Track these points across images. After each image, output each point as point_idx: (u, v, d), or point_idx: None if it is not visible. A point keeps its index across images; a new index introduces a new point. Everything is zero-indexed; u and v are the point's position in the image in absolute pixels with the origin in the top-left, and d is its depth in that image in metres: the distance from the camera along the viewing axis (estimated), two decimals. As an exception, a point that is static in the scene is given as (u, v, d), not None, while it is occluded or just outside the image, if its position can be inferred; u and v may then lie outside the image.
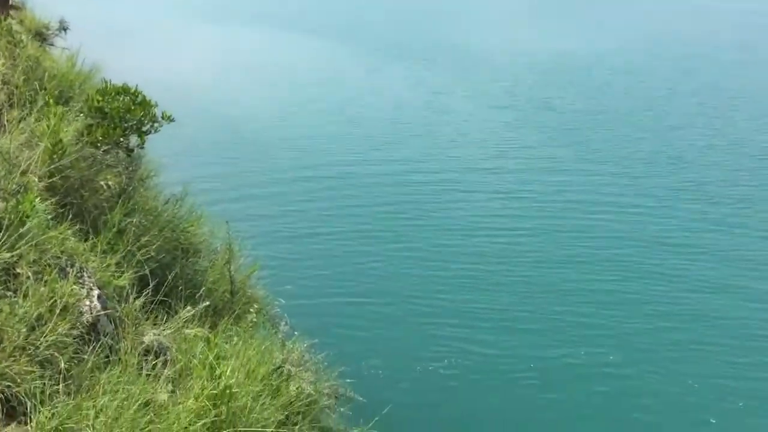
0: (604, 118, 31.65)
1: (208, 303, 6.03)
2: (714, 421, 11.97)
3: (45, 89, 6.52)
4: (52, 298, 4.09)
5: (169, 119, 7.04)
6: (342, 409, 6.67)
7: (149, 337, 4.79)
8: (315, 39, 54.82)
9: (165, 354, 4.91)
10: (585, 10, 73.91)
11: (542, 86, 38.07)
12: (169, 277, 6.17)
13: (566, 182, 22.90)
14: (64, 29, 11.09)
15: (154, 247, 6.37)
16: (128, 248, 5.84)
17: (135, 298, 5.19)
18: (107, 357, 4.17)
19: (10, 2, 9.86)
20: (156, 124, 6.99)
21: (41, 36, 10.18)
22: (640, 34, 56.67)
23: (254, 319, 6.89)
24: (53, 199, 5.31)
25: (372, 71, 41.65)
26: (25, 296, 3.89)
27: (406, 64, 43.42)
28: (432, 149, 26.53)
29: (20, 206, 4.42)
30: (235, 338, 5.71)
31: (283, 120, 30.23)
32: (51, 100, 5.50)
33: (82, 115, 6.55)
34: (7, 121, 5.89)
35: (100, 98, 6.74)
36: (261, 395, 4.98)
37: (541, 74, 41.29)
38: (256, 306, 7.30)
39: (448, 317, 14.73)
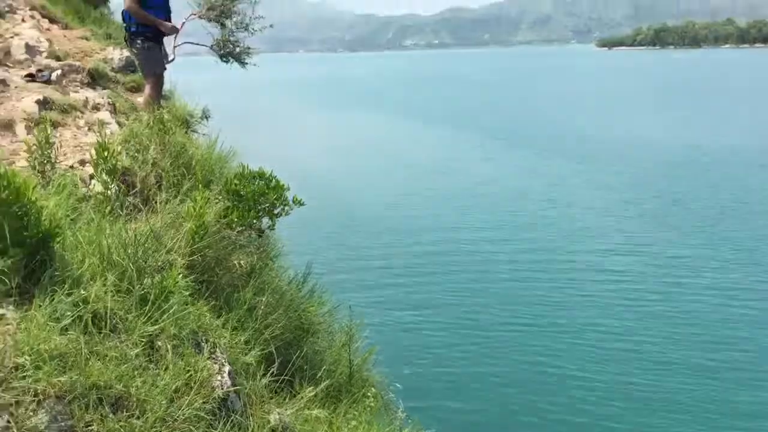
0: (739, 217, 29.84)
1: (328, 382, 6.10)
2: None
3: (190, 173, 7.00)
4: (188, 372, 4.27)
5: (300, 203, 7.36)
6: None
7: (274, 416, 4.87)
8: (433, 126, 56.18)
9: (288, 434, 4.96)
10: (716, 100, 71.82)
11: (670, 180, 36.64)
12: (293, 357, 6.31)
13: (700, 283, 21.58)
14: (206, 117, 12.00)
15: (279, 325, 6.57)
16: (256, 326, 6.06)
17: (261, 376, 5.33)
18: (235, 434, 4.27)
19: (162, 93, 10.76)
20: (287, 207, 7.32)
21: (186, 123, 11.00)
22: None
23: (371, 404, 6.88)
24: (192, 276, 5.63)
25: (487, 159, 41.90)
26: (165, 369, 4.08)
27: (523, 153, 43.34)
28: (548, 242, 25.91)
29: (164, 282, 4.71)
30: (354, 422, 5.72)
31: (399, 205, 30.78)
32: (199, 185, 5.89)
33: (220, 197, 6.97)
34: (156, 202, 6.37)
35: (238, 182, 7.16)
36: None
37: (669, 167, 39.82)
38: (373, 390, 7.29)
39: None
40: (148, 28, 9.67)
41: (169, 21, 9.94)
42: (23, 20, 12.85)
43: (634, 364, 16.08)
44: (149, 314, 4.34)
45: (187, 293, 5.22)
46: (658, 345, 17.11)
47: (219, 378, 4.78)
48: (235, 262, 6.52)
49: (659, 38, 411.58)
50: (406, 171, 38.01)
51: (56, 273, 3.91)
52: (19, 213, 3.88)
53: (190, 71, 14.61)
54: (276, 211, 7.23)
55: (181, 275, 5.08)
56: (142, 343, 4.08)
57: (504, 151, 44.06)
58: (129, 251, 4.77)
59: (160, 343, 4.54)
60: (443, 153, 43.81)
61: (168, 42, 10.40)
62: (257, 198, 7.08)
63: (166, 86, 11.60)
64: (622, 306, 19.72)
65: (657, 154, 42.74)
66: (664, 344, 17.14)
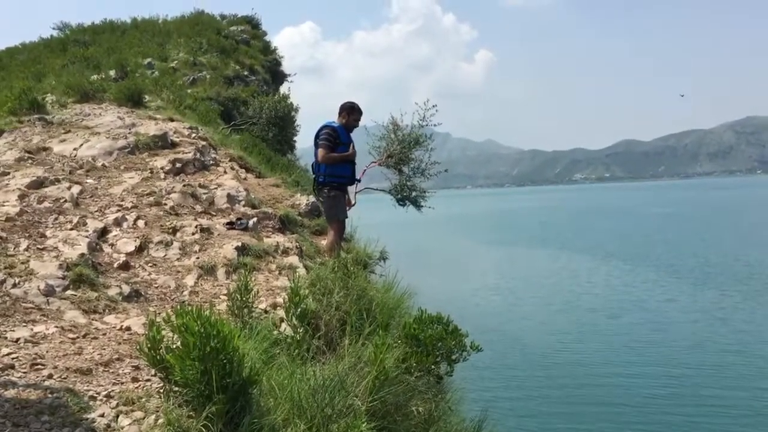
0: None
1: None
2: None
3: (371, 317, 7.22)
4: None
5: (477, 349, 7.29)
6: None
7: None
8: (605, 262, 54.19)
9: None
10: None
11: None
12: None
13: None
14: (384, 259, 12.48)
15: (457, 479, 6.38)
16: (435, 479, 5.92)
17: None
18: None
19: (344, 236, 11.41)
20: (464, 353, 7.27)
21: (364, 265, 11.47)
22: None
23: None
24: (372, 424, 5.67)
25: (669, 301, 38.68)
26: None
27: (710, 294, 39.64)
28: (747, 412, 20.84)
29: (350, 430, 4.78)
30: None
31: (573, 349, 29.15)
32: (380, 331, 6.05)
33: (399, 341, 7.09)
34: (339, 345, 6.61)
35: (416, 326, 7.27)
36: None
37: None
38: None
39: None
40: (335, 179, 10.49)
41: (354, 171, 10.79)
42: (225, 171, 14.37)
43: None
44: (335, 464, 4.40)
45: (370, 441, 5.26)
46: None
47: None
48: (414, 408, 6.50)
49: None
50: (579, 312, 36.08)
51: (254, 420, 4.11)
52: (225, 361, 4.19)
53: (369, 206, 15.10)
54: (454, 357, 7.21)
55: (364, 423, 5.15)
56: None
57: (687, 290, 40.85)
58: (317, 397, 4.94)
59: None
60: (618, 293, 41.13)
61: (351, 189, 11.14)
62: (435, 343, 7.11)
63: (348, 229, 12.32)
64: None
65: None
66: None
